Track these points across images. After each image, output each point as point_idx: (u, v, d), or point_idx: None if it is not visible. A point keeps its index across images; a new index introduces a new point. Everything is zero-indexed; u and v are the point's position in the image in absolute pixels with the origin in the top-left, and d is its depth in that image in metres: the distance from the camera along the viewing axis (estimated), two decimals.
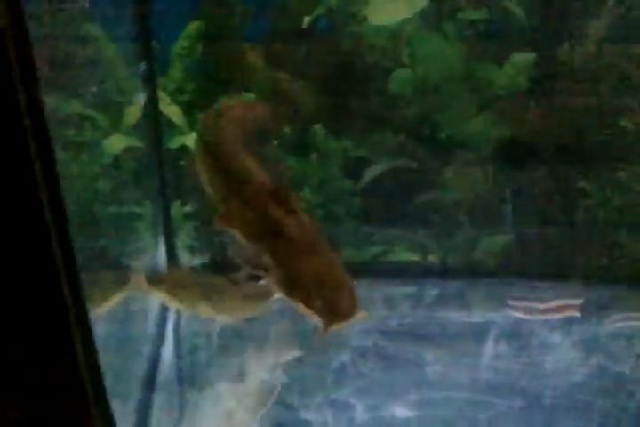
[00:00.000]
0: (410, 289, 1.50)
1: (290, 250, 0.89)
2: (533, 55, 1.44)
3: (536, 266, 1.51)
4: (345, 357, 1.25)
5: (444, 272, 1.53)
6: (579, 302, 1.37)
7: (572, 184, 1.50)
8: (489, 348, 1.33)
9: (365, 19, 1.41)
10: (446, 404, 1.14)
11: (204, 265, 1.52)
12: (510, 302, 1.44)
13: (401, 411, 1.12)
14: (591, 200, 1.50)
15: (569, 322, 1.37)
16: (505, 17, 1.42)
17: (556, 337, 1.34)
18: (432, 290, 1.50)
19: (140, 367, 1.24)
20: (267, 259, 0.90)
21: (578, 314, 1.36)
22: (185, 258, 1.51)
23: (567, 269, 1.48)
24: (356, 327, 1.33)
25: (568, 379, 1.22)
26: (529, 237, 1.52)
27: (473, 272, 1.54)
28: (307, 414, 1.11)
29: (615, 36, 1.42)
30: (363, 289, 1.45)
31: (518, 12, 1.42)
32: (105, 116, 1.35)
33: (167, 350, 1.32)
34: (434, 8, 1.42)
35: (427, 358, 1.28)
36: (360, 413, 1.11)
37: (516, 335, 1.37)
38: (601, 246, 1.50)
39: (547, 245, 1.51)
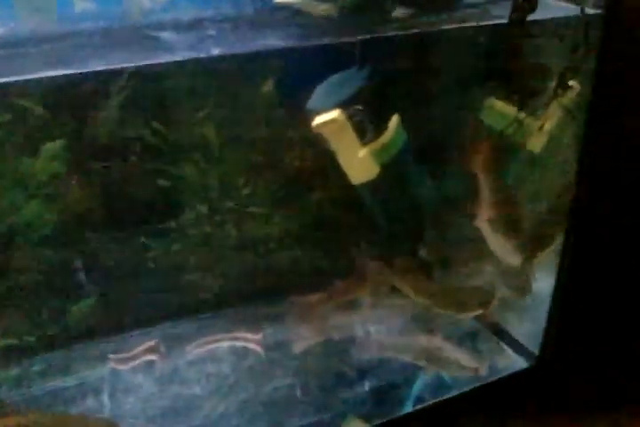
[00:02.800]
0: (13, 372, 1.61)
1: None
2: (61, 141, 1.65)
3: (123, 318, 1.73)
4: None
5: (44, 347, 1.67)
6: (153, 342, 1.60)
7: (135, 242, 1.75)
8: (91, 405, 1.50)
9: None
10: None
11: None
12: (111, 357, 1.63)
13: None
14: (154, 251, 1.76)
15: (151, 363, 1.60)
16: (26, 115, 1.61)
17: (140, 378, 1.56)
18: (35, 367, 1.63)
19: None
20: None
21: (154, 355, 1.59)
22: None
23: (147, 315, 1.74)
24: None
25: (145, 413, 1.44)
26: (110, 296, 1.73)
27: (71, 339, 1.70)
28: None
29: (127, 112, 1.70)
30: None
31: (38, 108, 1.62)
32: None
33: None
34: None
35: None
36: None
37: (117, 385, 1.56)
38: (174, 288, 1.78)
39: (126, 298, 1.75)
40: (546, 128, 1.77)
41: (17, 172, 1.64)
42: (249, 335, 1.71)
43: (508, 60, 1.78)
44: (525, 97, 1.76)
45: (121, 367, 1.60)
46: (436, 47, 1.92)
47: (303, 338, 1.71)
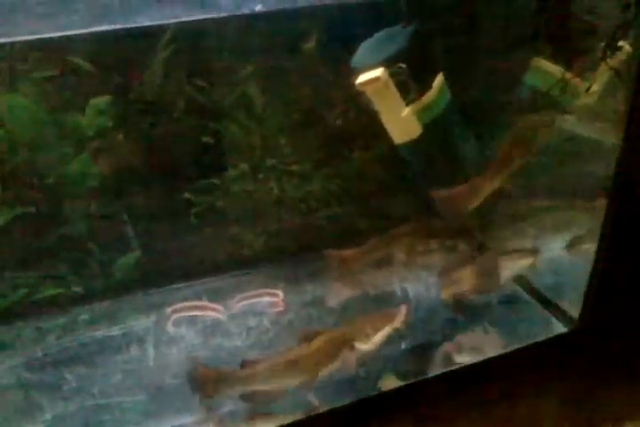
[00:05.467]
0: (60, 320, 1.68)
1: None
2: (107, 97, 1.67)
3: (166, 272, 1.78)
4: None
5: (91, 297, 1.73)
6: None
7: (178, 197, 1.78)
8: (137, 353, 1.56)
9: None
10: (80, 414, 1.35)
11: None
12: (169, 310, 1.67)
13: None
14: (197, 207, 1.80)
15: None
16: (75, 70, 1.63)
17: (183, 330, 1.61)
18: (82, 316, 1.69)
19: None
20: None
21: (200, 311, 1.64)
22: None
23: (189, 269, 1.78)
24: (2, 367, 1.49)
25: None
26: (155, 249, 1.78)
27: (118, 291, 1.76)
28: None
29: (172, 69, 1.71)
30: (15, 332, 1.63)
31: (85, 64, 1.65)
32: None
33: None
34: (7, 72, 1.59)
35: (73, 376, 1.46)
36: None
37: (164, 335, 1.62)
38: (216, 243, 1.82)
39: (172, 252, 1.79)
40: (593, 90, 1.73)
41: (65, 126, 1.67)
42: (286, 291, 1.74)
43: (555, 19, 1.73)
44: (573, 57, 1.72)
45: (166, 318, 1.65)
46: (483, 5, 1.89)
47: (338, 292, 1.74)
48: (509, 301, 1.77)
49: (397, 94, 1.67)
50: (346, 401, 1.41)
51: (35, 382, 1.47)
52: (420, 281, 1.80)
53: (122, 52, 1.68)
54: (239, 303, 1.70)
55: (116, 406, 1.39)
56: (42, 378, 1.48)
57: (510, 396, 1.59)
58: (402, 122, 1.68)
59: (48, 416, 1.36)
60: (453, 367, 1.54)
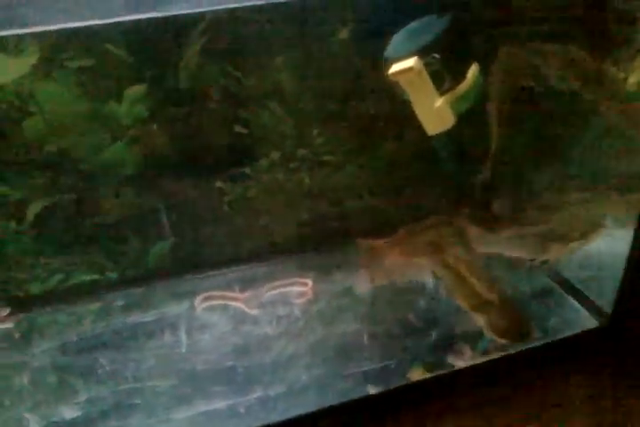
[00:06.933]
0: (96, 305, 1.71)
1: None
2: (144, 86, 1.69)
3: (199, 260, 1.80)
4: (23, 377, 1.44)
5: (125, 284, 1.76)
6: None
7: (211, 186, 1.79)
8: (168, 339, 1.58)
9: None
10: (113, 397, 1.38)
11: None
12: (200, 297, 1.70)
13: (69, 412, 1.33)
14: (229, 196, 1.81)
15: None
16: (110, 59, 1.65)
17: (215, 317, 1.63)
18: (117, 302, 1.72)
19: None
20: None
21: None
22: None
23: (221, 257, 1.80)
24: (36, 350, 1.53)
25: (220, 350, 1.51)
26: (187, 237, 1.80)
27: (151, 278, 1.78)
28: None
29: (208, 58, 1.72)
30: (51, 316, 1.66)
31: (121, 52, 1.66)
32: None
33: None
34: (44, 61, 1.61)
35: (106, 360, 1.49)
36: (33, 424, 1.31)
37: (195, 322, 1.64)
38: (248, 232, 1.84)
39: (205, 240, 1.81)
40: (630, 81, 1.71)
41: (102, 114, 1.70)
42: (316, 280, 1.76)
43: (592, 8, 1.71)
44: (609, 47, 1.69)
45: (197, 306, 1.68)
46: None
47: (367, 281, 1.74)
48: (542, 294, 1.75)
49: (431, 84, 1.66)
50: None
51: (69, 366, 1.50)
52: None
53: (158, 41, 1.70)
54: (269, 292, 1.72)
55: (148, 391, 1.42)
56: (76, 361, 1.51)
57: (538, 389, 1.58)
58: (435, 112, 1.67)
59: (82, 398, 1.40)
60: (482, 360, 1.53)
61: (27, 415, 1.36)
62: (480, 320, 1.59)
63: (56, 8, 1.45)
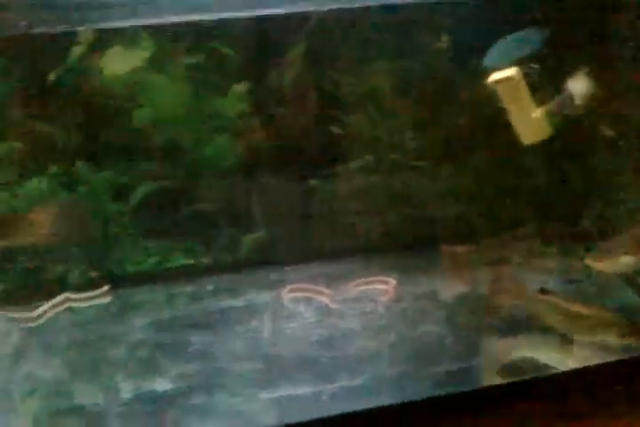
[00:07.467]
0: (188, 288, 1.79)
1: None
2: (248, 84, 1.77)
3: (289, 253, 1.86)
4: (118, 349, 1.54)
5: (217, 270, 1.84)
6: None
7: (304, 183, 1.86)
8: (255, 325, 1.64)
9: (101, 70, 1.69)
10: (201, 374, 1.44)
11: None
12: (286, 288, 1.76)
13: (160, 385, 1.42)
14: (321, 193, 1.87)
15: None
16: (219, 57, 1.74)
17: (300, 308, 1.68)
18: (208, 286, 1.80)
19: None
20: None
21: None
22: None
23: (308, 251, 1.87)
24: (130, 325, 1.61)
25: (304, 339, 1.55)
26: (279, 230, 1.86)
27: (242, 266, 1.86)
28: (81, 400, 1.40)
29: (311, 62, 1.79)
30: (145, 295, 1.75)
31: (229, 51, 1.76)
32: None
33: None
34: (158, 56, 1.72)
35: (196, 340, 1.57)
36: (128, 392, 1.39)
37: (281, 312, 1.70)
38: (336, 229, 1.88)
39: (294, 234, 1.87)
40: None
41: (208, 108, 1.79)
42: (400, 281, 1.78)
43: None
44: None
45: (283, 296, 1.74)
46: (619, 11, 1.86)
47: (451, 287, 1.76)
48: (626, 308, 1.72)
49: (529, 95, 1.68)
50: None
51: (161, 342, 1.58)
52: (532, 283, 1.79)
53: (264, 40, 1.78)
54: (353, 288, 1.76)
55: (234, 371, 1.47)
56: (168, 339, 1.59)
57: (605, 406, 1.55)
58: (532, 123, 1.68)
59: (172, 373, 1.46)
60: (555, 371, 1.52)
61: (121, 385, 1.44)
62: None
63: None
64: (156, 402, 1.36)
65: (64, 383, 1.46)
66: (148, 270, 1.81)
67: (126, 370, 1.48)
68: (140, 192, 1.77)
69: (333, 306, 1.70)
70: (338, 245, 1.89)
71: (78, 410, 1.35)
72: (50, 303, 1.67)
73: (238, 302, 1.72)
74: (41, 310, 1.65)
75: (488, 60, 1.73)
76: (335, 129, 1.87)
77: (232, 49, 1.78)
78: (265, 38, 1.78)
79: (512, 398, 1.49)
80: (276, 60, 1.81)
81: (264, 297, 1.74)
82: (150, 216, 1.79)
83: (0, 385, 1.45)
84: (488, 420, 1.42)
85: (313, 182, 1.86)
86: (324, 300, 1.72)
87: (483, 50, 1.71)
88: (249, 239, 1.85)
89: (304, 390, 1.41)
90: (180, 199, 1.80)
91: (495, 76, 1.66)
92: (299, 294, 1.74)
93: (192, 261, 1.84)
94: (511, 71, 1.66)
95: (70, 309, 1.69)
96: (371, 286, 1.77)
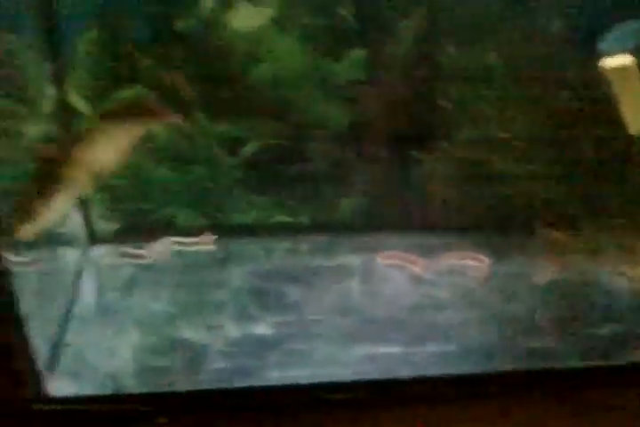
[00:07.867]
0: (285, 244, 1.86)
1: None
2: (364, 51, 1.80)
3: (386, 221, 1.91)
4: (223, 293, 1.62)
5: (314, 230, 1.91)
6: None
7: (406, 154, 1.88)
8: (349, 284, 1.70)
9: (228, 25, 1.75)
10: (300, 324, 1.51)
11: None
12: (380, 254, 1.80)
13: (261, 329, 1.51)
14: (422, 166, 1.89)
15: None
16: (339, 22, 1.78)
17: (394, 275, 1.72)
18: (304, 244, 1.87)
19: None
20: None
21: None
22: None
23: (401, 221, 1.92)
24: (232, 272, 1.69)
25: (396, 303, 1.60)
26: (377, 198, 1.91)
27: (337, 228, 1.92)
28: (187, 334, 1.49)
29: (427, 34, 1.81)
30: (246, 246, 1.82)
31: (349, 17, 1.79)
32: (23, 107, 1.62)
33: None
34: (282, 15, 1.76)
35: (292, 292, 1.63)
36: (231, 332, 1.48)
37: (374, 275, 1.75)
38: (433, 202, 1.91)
39: (392, 202, 1.91)
40: None
41: (323, 72, 1.83)
42: (493, 259, 1.80)
43: None
44: None
45: (376, 261, 1.79)
46: None
47: (545, 269, 1.77)
48: None
49: None
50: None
51: (260, 290, 1.66)
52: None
53: (383, 10, 1.80)
54: (446, 261, 1.79)
55: (329, 324, 1.54)
56: (266, 288, 1.67)
57: None
58: None
59: (271, 320, 1.54)
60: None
61: (226, 325, 1.53)
62: None
63: None
64: (256, 344, 1.45)
65: (172, 317, 1.56)
66: (250, 224, 1.89)
67: (229, 313, 1.57)
68: (250, 147, 1.83)
69: (426, 276, 1.74)
70: (435, 218, 1.92)
71: (184, 343, 1.45)
72: (159, 244, 1.78)
73: (333, 262, 1.78)
74: (152, 249, 1.76)
75: (603, 45, 1.70)
76: (444, 103, 1.88)
77: (354, 16, 1.81)
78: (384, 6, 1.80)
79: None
80: (393, 31, 1.83)
81: (358, 261, 1.79)
82: (257, 172, 1.85)
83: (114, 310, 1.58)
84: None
85: (416, 154, 1.89)
86: (417, 269, 1.76)
87: (600, 34, 1.69)
88: (348, 203, 1.90)
89: (396, 350, 1.46)
90: (286, 158, 1.86)
91: (610, 62, 1.64)
92: (392, 261, 1.78)
93: (291, 219, 1.91)
94: (625, 59, 1.63)
95: (178, 252, 1.80)
96: (464, 262, 1.79)
